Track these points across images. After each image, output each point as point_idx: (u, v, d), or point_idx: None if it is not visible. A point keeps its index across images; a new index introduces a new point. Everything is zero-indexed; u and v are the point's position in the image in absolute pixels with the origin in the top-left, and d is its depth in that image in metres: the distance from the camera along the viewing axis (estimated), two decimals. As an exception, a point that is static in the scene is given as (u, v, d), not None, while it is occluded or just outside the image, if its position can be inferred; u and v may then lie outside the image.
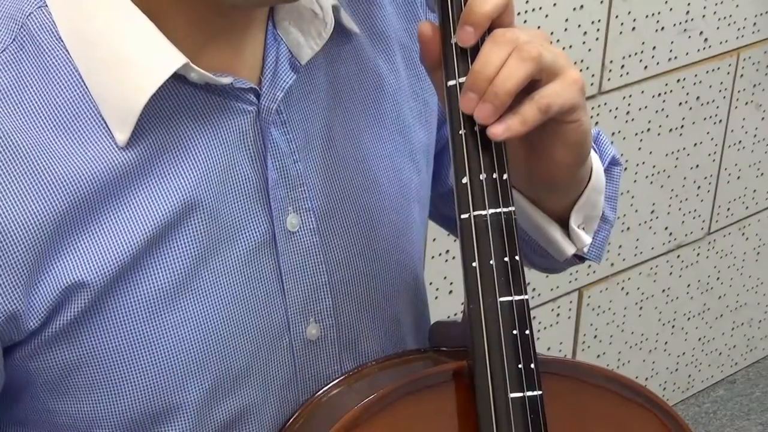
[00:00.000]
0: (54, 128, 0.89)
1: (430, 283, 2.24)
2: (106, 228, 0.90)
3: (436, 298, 2.26)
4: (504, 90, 0.89)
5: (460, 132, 0.91)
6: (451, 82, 0.92)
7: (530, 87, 0.91)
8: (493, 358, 0.91)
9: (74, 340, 0.92)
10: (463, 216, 0.92)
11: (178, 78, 0.91)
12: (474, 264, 0.91)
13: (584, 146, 0.98)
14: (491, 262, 0.91)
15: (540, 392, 0.92)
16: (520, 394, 0.91)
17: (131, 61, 0.89)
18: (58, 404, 0.95)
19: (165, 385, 0.94)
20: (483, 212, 0.91)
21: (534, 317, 2.48)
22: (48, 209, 0.88)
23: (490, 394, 0.91)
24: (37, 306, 0.90)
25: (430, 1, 1.05)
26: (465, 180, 0.91)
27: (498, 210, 0.92)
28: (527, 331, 0.92)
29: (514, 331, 0.91)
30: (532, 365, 0.92)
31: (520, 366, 0.91)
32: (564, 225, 1.07)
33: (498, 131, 0.90)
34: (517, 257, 0.92)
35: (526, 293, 0.92)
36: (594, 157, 1.08)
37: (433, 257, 2.23)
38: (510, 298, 0.91)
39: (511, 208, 0.92)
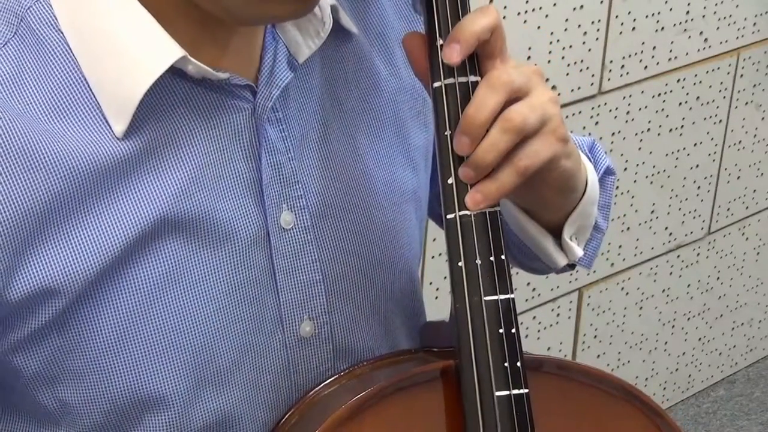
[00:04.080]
0: (52, 117, 0.90)
1: (430, 283, 2.25)
2: (99, 218, 0.91)
3: (436, 298, 2.26)
4: (485, 163, 0.91)
5: (446, 133, 0.92)
6: (437, 84, 0.92)
7: None
8: (479, 356, 0.92)
9: (62, 331, 0.93)
10: (449, 216, 0.92)
11: (175, 72, 0.92)
12: (460, 263, 0.92)
13: (569, 184, 1.00)
14: (477, 261, 0.92)
15: (526, 390, 0.92)
16: (506, 392, 0.92)
17: (129, 53, 0.91)
18: (48, 392, 0.95)
19: (152, 374, 0.95)
20: (468, 212, 0.92)
21: (534, 317, 2.49)
22: (41, 193, 0.89)
23: (476, 392, 0.92)
24: (21, 292, 0.91)
25: (417, 5, 1.06)
26: (450, 180, 0.92)
27: (483, 210, 0.92)
28: (513, 330, 0.92)
29: (500, 330, 0.92)
30: (518, 363, 0.92)
31: (506, 364, 0.92)
32: (557, 235, 1.07)
33: (475, 200, 0.92)
34: (502, 256, 0.93)
35: (512, 292, 0.93)
36: (589, 168, 1.09)
37: (433, 257, 2.23)
38: (496, 297, 0.92)
39: (497, 208, 0.93)
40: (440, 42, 0.92)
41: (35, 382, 0.95)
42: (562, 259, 1.08)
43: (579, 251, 1.08)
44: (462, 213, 0.92)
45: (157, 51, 0.91)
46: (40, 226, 0.90)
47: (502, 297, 0.92)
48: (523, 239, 1.08)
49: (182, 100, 0.94)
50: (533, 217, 1.06)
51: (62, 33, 0.91)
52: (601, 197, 1.11)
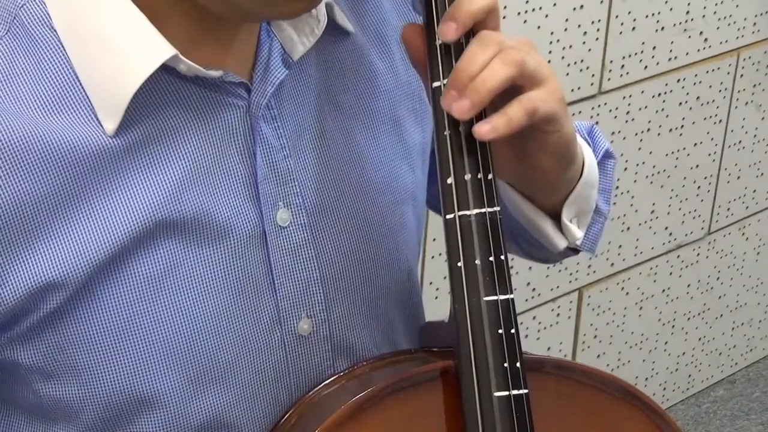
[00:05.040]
0: (43, 113, 0.90)
1: (430, 283, 2.25)
2: (91, 217, 0.91)
3: (436, 298, 2.26)
4: (484, 87, 0.90)
5: (445, 133, 0.92)
6: (436, 84, 0.92)
7: (512, 94, 0.92)
8: (478, 356, 0.92)
9: (57, 328, 0.93)
10: (448, 216, 0.92)
11: (168, 70, 0.92)
12: (459, 264, 0.92)
13: (567, 153, 1.00)
14: (476, 261, 0.92)
15: (526, 391, 0.92)
16: (505, 393, 0.92)
17: (121, 51, 0.91)
18: (44, 388, 0.96)
19: (148, 372, 0.95)
20: (468, 212, 0.92)
21: (534, 317, 2.49)
22: (31, 189, 0.89)
23: (475, 392, 0.92)
24: (13, 290, 0.91)
25: (416, 4, 1.06)
26: (450, 180, 0.92)
27: (483, 210, 0.92)
28: (513, 330, 0.92)
29: (500, 330, 0.92)
30: (518, 364, 0.92)
31: (505, 365, 0.92)
32: (556, 218, 1.07)
33: (484, 130, 0.91)
34: (502, 257, 0.93)
35: (511, 292, 0.93)
36: (587, 151, 1.09)
37: (433, 257, 2.23)
38: (495, 298, 0.92)
39: (496, 208, 0.93)
40: (439, 41, 0.92)
41: (32, 378, 0.95)
42: (562, 242, 1.08)
43: (578, 232, 1.08)
44: (461, 213, 0.92)
45: (148, 50, 0.91)
46: (33, 223, 0.90)
47: (502, 297, 0.92)
48: (524, 224, 1.08)
49: (175, 99, 0.94)
50: (532, 202, 1.06)
51: (55, 31, 0.92)
52: (601, 181, 1.12)
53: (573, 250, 1.13)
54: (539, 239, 1.09)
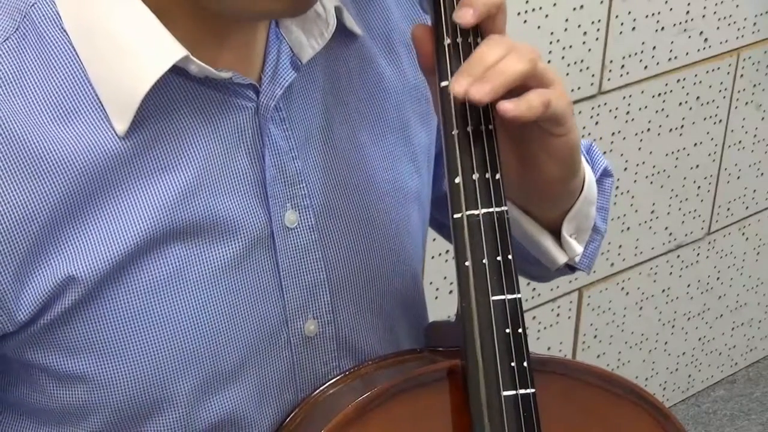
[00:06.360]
0: (54, 116, 0.90)
1: (430, 283, 2.25)
2: (103, 220, 0.91)
3: (436, 298, 2.26)
4: (502, 76, 0.89)
5: (453, 132, 0.92)
6: (444, 83, 0.92)
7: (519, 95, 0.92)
8: (485, 356, 0.92)
9: (68, 328, 0.93)
10: (455, 215, 0.92)
11: (178, 71, 0.92)
12: (467, 263, 0.92)
13: (572, 160, 1.00)
14: (484, 261, 0.92)
15: (533, 390, 0.92)
16: (512, 392, 0.92)
17: (132, 51, 0.91)
18: (55, 390, 0.96)
19: (157, 376, 0.95)
20: (475, 212, 0.92)
21: (534, 317, 2.49)
22: (44, 198, 0.89)
23: (482, 392, 0.92)
24: (30, 297, 0.91)
25: (424, 4, 1.06)
26: (458, 180, 0.92)
27: (491, 209, 0.92)
28: (520, 330, 0.92)
29: (507, 330, 0.92)
30: (525, 363, 0.92)
31: (513, 364, 0.92)
32: (556, 234, 1.07)
33: (509, 106, 0.89)
34: (509, 256, 0.93)
35: (518, 292, 0.93)
36: (587, 167, 1.09)
37: (433, 257, 2.23)
38: (503, 297, 0.92)
39: (504, 208, 0.93)
40: (447, 41, 0.92)
41: (44, 380, 0.96)
42: (562, 257, 1.08)
43: (578, 248, 1.08)
44: (469, 212, 0.92)
45: (159, 51, 0.91)
46: (49, 226, 0.90)
47: (510, 297, 0.92)
48: (522, 240, 1.08)
49: (185, 99, 0.94)
50: (532, 217, 1.06)
51: (65, 31, 0.91)
52: (599, 199, 1.12)
53: (570, 268, 1.13)
54: (537, 255, 1.09)
